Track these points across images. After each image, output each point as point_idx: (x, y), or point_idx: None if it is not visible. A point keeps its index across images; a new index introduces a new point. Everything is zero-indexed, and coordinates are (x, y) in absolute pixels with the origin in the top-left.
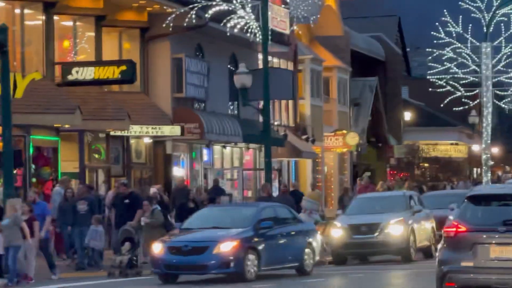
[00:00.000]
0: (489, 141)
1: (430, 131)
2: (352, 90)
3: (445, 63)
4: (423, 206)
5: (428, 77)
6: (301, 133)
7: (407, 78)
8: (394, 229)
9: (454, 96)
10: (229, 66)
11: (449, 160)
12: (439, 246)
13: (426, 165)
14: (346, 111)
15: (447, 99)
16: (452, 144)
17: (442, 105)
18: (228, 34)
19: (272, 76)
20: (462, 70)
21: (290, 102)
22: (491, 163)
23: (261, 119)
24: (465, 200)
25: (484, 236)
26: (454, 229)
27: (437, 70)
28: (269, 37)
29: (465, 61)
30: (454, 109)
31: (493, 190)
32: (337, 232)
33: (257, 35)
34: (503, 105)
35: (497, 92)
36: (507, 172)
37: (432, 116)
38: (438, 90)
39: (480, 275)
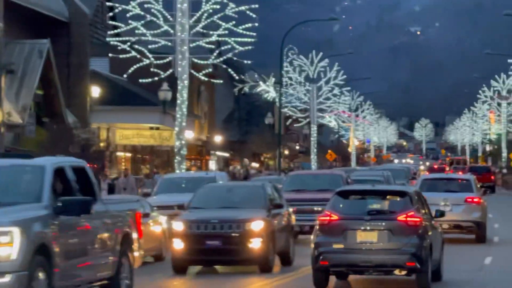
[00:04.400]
0: (184, 123)
1: (126, 111)
2: (17, 54)
3: (129, 21)
4: None
5: (107, 39)
6: None
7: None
8: None
9: (142, 64)
10: None
11: (154, 149)
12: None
13: (128, 154)
14: None
15: (132, 69)
16: (152, 128)
17: (125, 76)
18: None
19: None
20: (152, 32)
21: None
22: (226, 155)
23: None
24: (335, 194)
25: (353, 223)
26: (328, 217)
27: (120, 30)
28: None
29: (155, 19)
30: (140, 80)
31: (358, 186)
32: None
33: None
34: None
35: (196, 60)
36: (246, 165)
37: (130, 94)
38: (121, 56)
39: (349, 255)
